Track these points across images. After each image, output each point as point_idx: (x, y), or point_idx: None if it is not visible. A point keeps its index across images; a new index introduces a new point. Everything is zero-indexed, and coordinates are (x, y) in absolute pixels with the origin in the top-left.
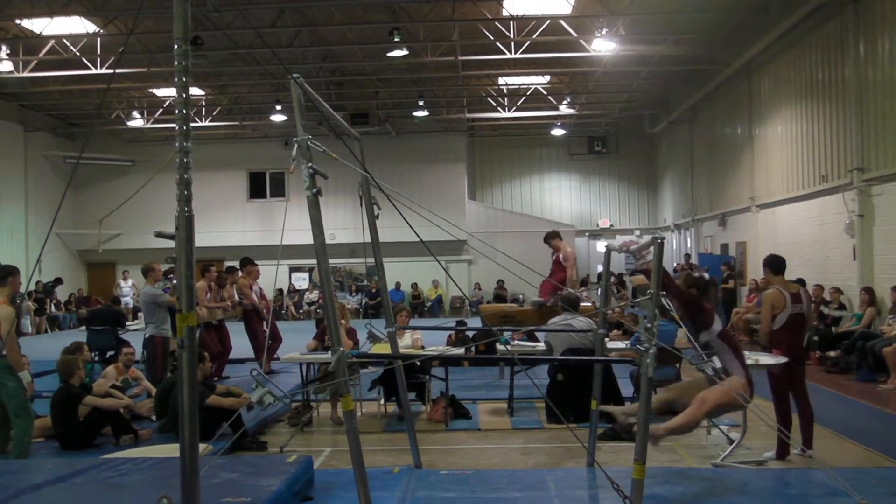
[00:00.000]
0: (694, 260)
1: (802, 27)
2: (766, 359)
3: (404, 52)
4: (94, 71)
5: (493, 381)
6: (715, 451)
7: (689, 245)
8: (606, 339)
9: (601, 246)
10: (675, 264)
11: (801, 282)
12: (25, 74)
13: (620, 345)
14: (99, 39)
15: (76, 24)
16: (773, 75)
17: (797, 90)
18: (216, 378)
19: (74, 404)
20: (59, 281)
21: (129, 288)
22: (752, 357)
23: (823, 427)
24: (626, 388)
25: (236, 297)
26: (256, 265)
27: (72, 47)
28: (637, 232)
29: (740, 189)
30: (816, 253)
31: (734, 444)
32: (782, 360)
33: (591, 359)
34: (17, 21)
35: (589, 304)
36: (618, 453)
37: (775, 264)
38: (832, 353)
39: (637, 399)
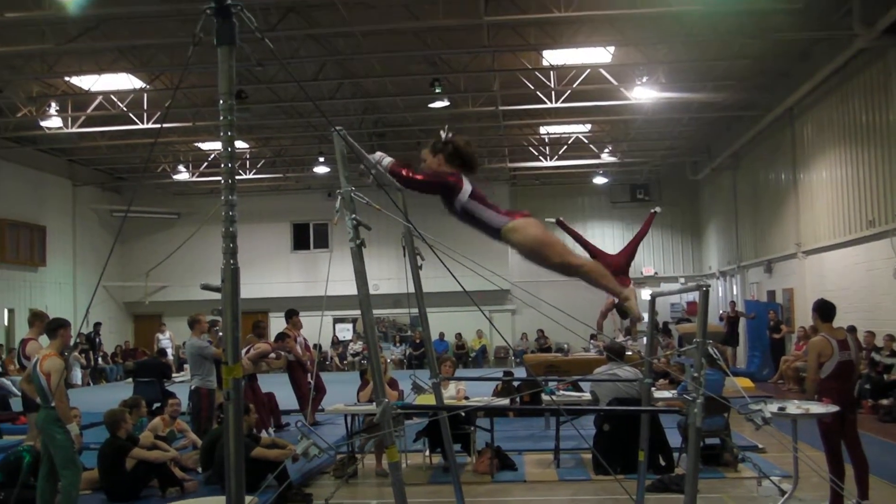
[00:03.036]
0: (740, 307)
1: (844, 72)
2: (817, 408)
3: (445, 102)
4: (140, 126)
5: (539, 431)
6: (766, 503)
7: (734, 292)
8: (653, 389)
9: (645, 294)
10: (720, 312)
11: (852, 329)
12: (74, 130)
13: (667, 394)
14: (145, 95)
15: (123, 81)
16: (816, 120)
17: (841, 134)
18: (276, 428)
19: (121, 456)
20: (98, 325)
21: (167, 340)
22: (802, 406)
23: (878, 478)
24: (673, 439)
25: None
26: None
27: (119, 103)
28: (682, 280)
29: (786, 235)
30: (866, 299)
31: (786, 496)
32: (833, 408)
33: (638, 409)
34: (67, 78)
35: (634, 353)
36: None
37: (824, 310)
38: (885, 402)
39: (685, 450)
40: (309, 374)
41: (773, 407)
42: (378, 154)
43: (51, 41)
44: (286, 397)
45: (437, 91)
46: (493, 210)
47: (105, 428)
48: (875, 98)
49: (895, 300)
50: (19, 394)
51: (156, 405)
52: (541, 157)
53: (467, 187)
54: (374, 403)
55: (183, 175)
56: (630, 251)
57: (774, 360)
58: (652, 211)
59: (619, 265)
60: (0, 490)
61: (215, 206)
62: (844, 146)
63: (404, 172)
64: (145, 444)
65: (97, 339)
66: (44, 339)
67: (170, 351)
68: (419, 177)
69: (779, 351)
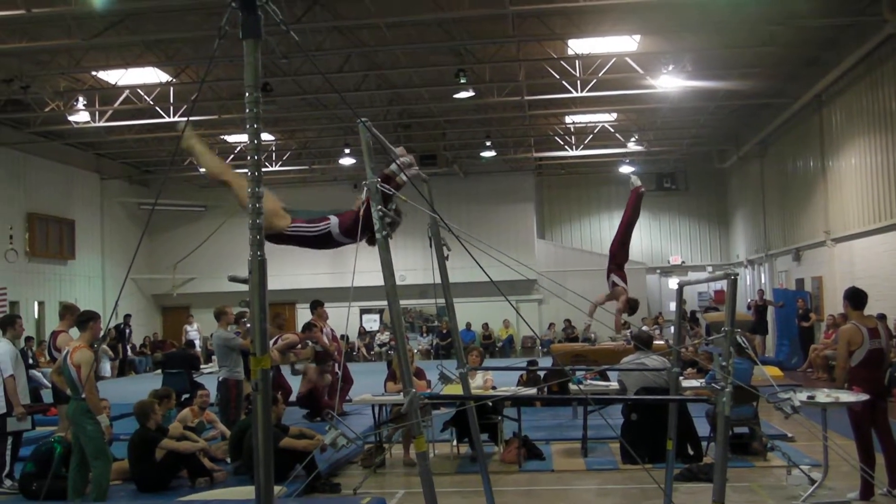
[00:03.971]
0: (768, 296)
1: (873, 58)
2: (847, 396)
3: (471, 93)
4: (167, 119)
5: (567, 421)
6: (796, 492)
7: (762, 281)
8: (681, 378)
9: (673, 283)
10: (748, 300)
11: (882, 317)
12: (101, 124)
13: (695, 383)
14: (171, 88)
15: (150, 75)
16: (845, 107)
17: (870, 121)
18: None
19: (151, 447)
20: (128, 317)
21: (194, 332)
22: (832, 394)
23: None
24: (702, 428)
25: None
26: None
27: (146, 97)
28: (709, 268)
29: (814, 223)
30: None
31: (816, 485)
32: (864, 397)
33: (666, 398)
34: (94, 73)
35: (662, 342)
36: (695, 494)
37: (856, 298)
38: None
39: (714, 439)
40: (336, 365)
41: (802, 395)
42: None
43: (77, 36)
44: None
45: (462, 81)
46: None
47: (135, 419)
48: None
49: None
50: (50, 385)
51: (185, 396)
52: (566, 147)
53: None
54: (402, 393)
55: None
56: (620, 237)
57: (803, 349)
58: (634, 189)
59: (613, 253)
60: (32, 481)
61: None
62: (873, 133)
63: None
64: (174, 434)
65: (127, 331)
66: (74, 332)
67: (198, 342)
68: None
69: (808, 339)
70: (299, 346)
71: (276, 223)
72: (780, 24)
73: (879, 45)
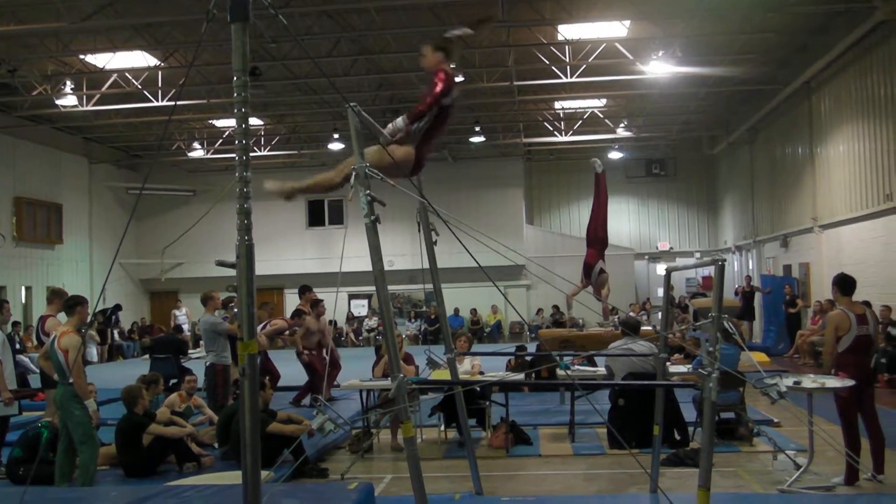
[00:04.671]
0: (756, 282)
1: (862, 45)
2: (833, 382)
3: (460, 78)
4: (155, 103)
5: (554, 406)
6: (781, 477)
7: (750, 267)
8: (668, 364)
9: (661, 269)
10: (736, 286)
11: (867, 303)
12: (89, 108)
13: (682, 369)
14: (160, 72)
15: (138, 58)
16: (834, 94)
17: (859, 108)
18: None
19: (138, 432)
20: (118, 307)
21: (184, 316)
22: (818, 380)
23: (895, 451)
24: (688, 413)
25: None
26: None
27: (134, 81)
28: (697, 254)
29: (802, 209)
30: (882, 273)
31: (801, 470)
32: (849, 383)
33: (653, 383)
34: (81, 56)
35: (650, 327)
36: (681, 479)
37: (845, 284)
38: None
39: (700, 424)
40: (324, 350)
41: (788, 381)
42: (390, 125)
43: (65, 19)
44: (299, 373)
45: (452, 66)
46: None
47: (122, 404)
48: (893, 72)
49: None
50: (37, 370)
51: (172, 381)
52: (556, 133)
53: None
54: (390, 379)
55: (198, 152)
56: (595, 219)
57: (790, 335)
58: (595, 170)
59: (593, 239)
60: (19, 465)
61: (230, 183)
62: (862, 120)
63: (422, 108)
64: (162, 420)
65: (113, 318)
66: (62, 317)
67: (186, 327)
68: (430, 100)
69: (794, 325)
70: (287, 332)
71: (385, 158)
72: (771, 10)
73: (869, 32)
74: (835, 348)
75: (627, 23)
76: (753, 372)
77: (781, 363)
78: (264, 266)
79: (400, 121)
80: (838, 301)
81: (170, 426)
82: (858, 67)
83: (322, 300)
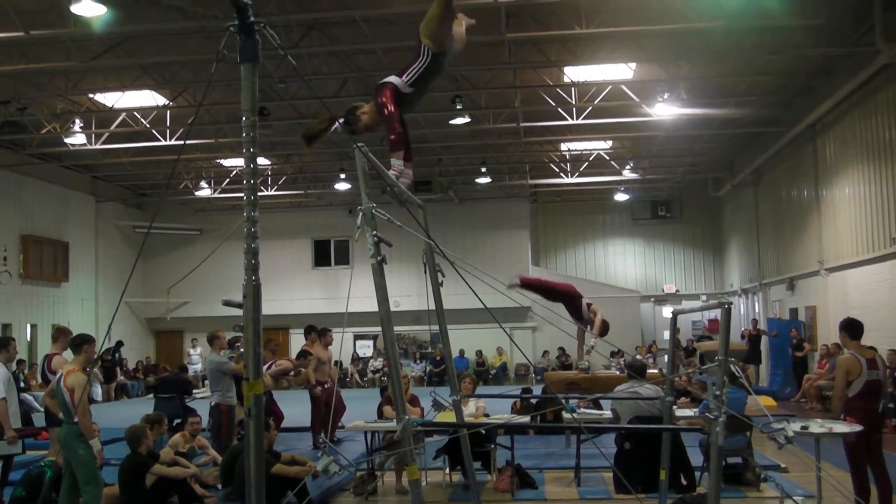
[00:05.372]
0: (762, 325)
1: (867, 88)
2: (841, 427)
3: (467, 119)
4: (163, 142)
5: (560, 449)
6: None
7: (756, 310)
8: (674, 407)
9: (667, 312)
10: (742, 329)
11: (873, 348)
12: (98, 146)
13: (689, 412)
14: (168, 112)
15: (147, 98)
16: (839, 136)
17: (864, 151)
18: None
19: (142, 472)
20: (119, 343)
21: (197, 356)
22: (825, 425)
23: None
24: (695, 457)
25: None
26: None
27: (142, 120)
28: (703, 297)
29: (808, 252)
30: (890, 317)
31: None
32: (857, 428)
33: (660, 427)
34: (91, 95)
35: (656, 370)
36: None
37: (853, 328)
38: None
39: (707, 468)
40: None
41: (795, 426)
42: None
43: (75, 58)
44: (303, 414)
45: (459, 107)
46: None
47: (126, 443)
48: None
49: None
50: (42, 409)
51: (176, 421)
52: (562, 174)
53: (396, 79)
54: (395, 420)
55: (205, 191)
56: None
57: (797, 379)
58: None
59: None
60: None
61: (237, 223)
62: (867, 163)
63: (392, 136)
64: (165, 460)
65: (116, 356)
66: (68, 354)
67: (199, 367)
68: (393, 116)
69: (801, 369)
70: (292, 372)
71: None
72: (776, 53)
73: (873, 76)
74: (845, 392)
75: (633, 65)
76: (760, 416)
77: (788, 407)
78: (270, 306)
79: (397, 162)
80: (847, 345)
81: (173, 466)
82: (863, 110)
83: (330, 329)
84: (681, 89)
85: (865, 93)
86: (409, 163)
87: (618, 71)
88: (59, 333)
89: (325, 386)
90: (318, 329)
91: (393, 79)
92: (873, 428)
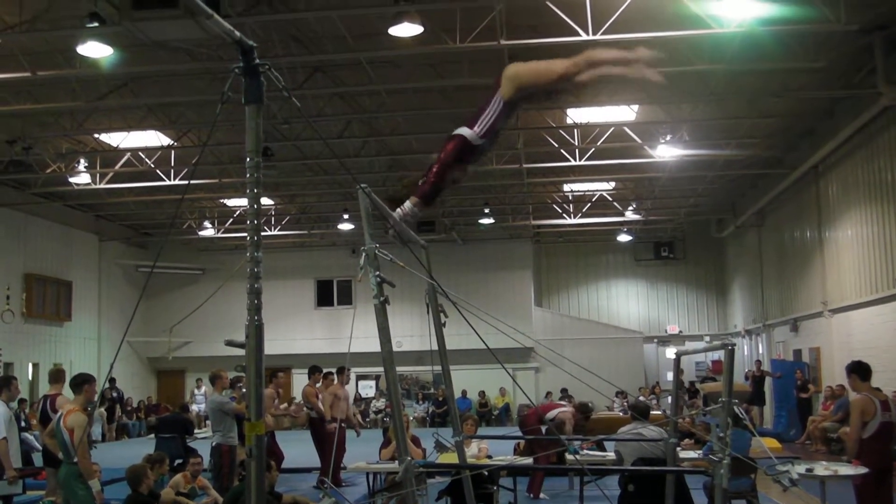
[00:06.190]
0: (766, 366)
1: (869, 130)
2: (846, 469)
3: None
4: (167, 182)
5: (563, 491)
6: None
7: (760, 351)
8: (678, 449)
9: (670, 353)
10: (746, 370)
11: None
12: (102, 186)
13: (693, 454)
14: (173, 152)
15: (151, 138)
16: (842, 178)
17: (867, 192)
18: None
19: None
20: (112, 381)
21: (202, 396)
22: (830, 467)
23: None
24: (699, 500)
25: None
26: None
27: (147, 159)
28: (707, 338)
29: (812, 293)
30: (893, 358)
31: None
32: (863, 470)
33: (664, 469)
34: (96, 135)
35: (659, 412)
36: None
37: (862, 370)
38: None
39: None
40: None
41: (800, 468)
42: (399, 211)
43: (81, 98)
44: (304, 454)
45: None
46: (485, 110)
47: (126, 484)
48: None
49: None
50: (41, 448)
51: (177, 461)
52: (564, 215)
53: (469, 132)
54: (397, 461)
55: (208, 231)
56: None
57: (801, 420)
58: None
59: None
60: None
61: (240, 263)
62: (870, 204)
63: (431, 177)
64: (167, 500)
65: (115, 395)
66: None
67: (202, 406)
68: (437, 167)
69: (806, 411)
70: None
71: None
72: (778, 95)
73: (875, 118)
74: (860, 433)
75: (635, 107)
76: (765, 458)
77: (793, 449)
78: (272, 346)
79: (408, 205)
80: (859, 388)
81: None
82: (865, 152)
83: (348, 368)
84: (683, 131)
85: (867, 135)
86: (419, 202)
87: (620, 113)
88: (58, 374)
89: (342, 423)
90: (320, 369)
91: (464, 130)
92: (886, 470)
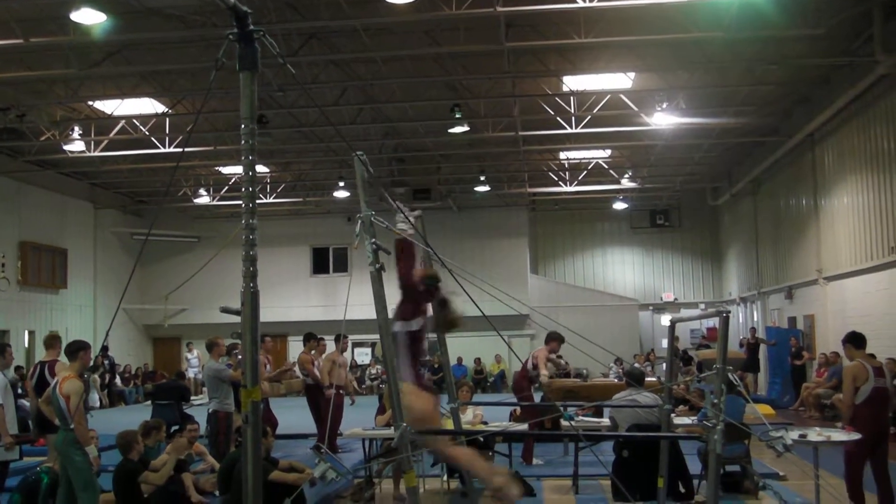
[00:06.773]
0: (761, 333)
1: (866, 98)
2: (839, 435)
3: (466, 128)
4: (162, 150)
5: (558, 457)
6: None
7: (755, 318)
8: (673, 415)
9: (665, 320)
10: (740, 338)
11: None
12: (96, 154)
13: (687, 421)
14: (167, 119)
15: (146, 105)
16: (838, 146)
17: (862, 160)
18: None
19: (133, 479)
20: (105, 349)
21: (195, 359)
22: (823, 433)
23: None
24: (693, 466)
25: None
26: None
27: (141, 127)
28: (702, 305)
29: (807, 261)
30: (888, 326)
31: None
32: (856, 436)
33: (658, 435)
34: (90, 102)
35: (654, 379)
36: None
37: (857, 339)
38: None
39: (705, 477)
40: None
41: (794, 434)
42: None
43: (74, 66)
44: (300, 419)
45: (458, 116)
46: (408, 360)
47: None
48: None
49: None
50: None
51: (174, 428)
52: (560, 183)
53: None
54: (392, 428)
55: (204, 199)
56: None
57: (795, 387)
58: None
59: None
60: None
61: (236, 230)
62: (866, 172)
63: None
64: (157, 465)
65: (105, 363)
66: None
67: (196, 370)
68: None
69: (800, 378)
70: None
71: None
72: (775, 63)
73: (872, 86)
74: (853, 399)
75: (632, 75)
76: (759, 424)
77: (787, 416)
78: (268, 313)
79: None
80: (853, 356)
81: (162, 469)
82: (861, 120)
83: (346, 336)
84: (679, 99)
85: (864, 103)
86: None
87: (616, 80)
88: (54, 340)
89: (340, 390)
90: (316, 336)
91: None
92: (880, 436)
